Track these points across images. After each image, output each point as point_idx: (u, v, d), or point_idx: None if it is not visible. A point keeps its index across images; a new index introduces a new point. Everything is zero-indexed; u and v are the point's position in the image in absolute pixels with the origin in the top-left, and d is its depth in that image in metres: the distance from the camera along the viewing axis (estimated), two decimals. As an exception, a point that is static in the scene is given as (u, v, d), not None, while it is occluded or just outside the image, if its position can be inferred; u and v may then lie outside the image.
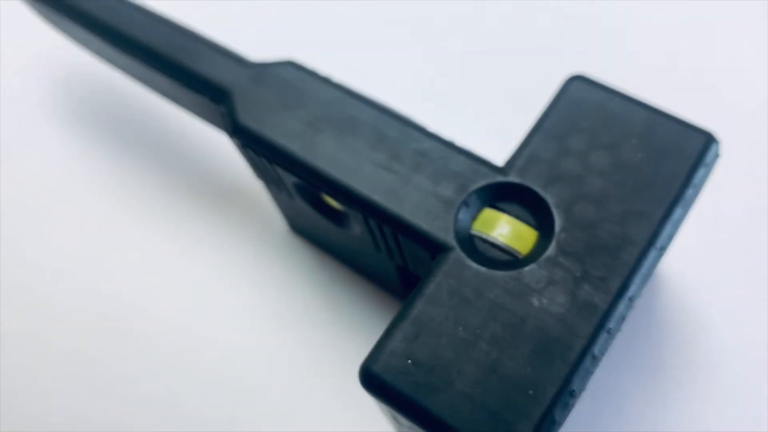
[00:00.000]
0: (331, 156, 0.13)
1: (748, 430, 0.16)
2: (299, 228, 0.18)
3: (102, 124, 0.21)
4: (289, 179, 0.14)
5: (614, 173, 0.12)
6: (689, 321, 0.17)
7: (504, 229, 0.12)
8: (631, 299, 0.11)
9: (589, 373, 0.11)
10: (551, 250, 0.11)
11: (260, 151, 0.14)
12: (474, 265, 0.11)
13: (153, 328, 0.18)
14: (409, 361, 0.11)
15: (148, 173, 0.20)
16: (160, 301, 0.18)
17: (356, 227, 0.14)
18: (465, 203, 0.12)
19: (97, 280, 0.19)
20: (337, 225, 0.15)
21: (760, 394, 0.16)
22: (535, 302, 0.11)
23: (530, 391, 0.10)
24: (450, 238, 0.12)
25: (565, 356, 0.11)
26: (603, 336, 0.11)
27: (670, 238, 0.12)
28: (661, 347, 0.17)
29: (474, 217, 0.12)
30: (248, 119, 0.14)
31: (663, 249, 0.11)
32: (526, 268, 0.11)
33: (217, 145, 0.20)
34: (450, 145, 0.13)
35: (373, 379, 0.11)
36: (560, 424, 0.10)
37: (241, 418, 0.17)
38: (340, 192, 0.13)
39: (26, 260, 0.19)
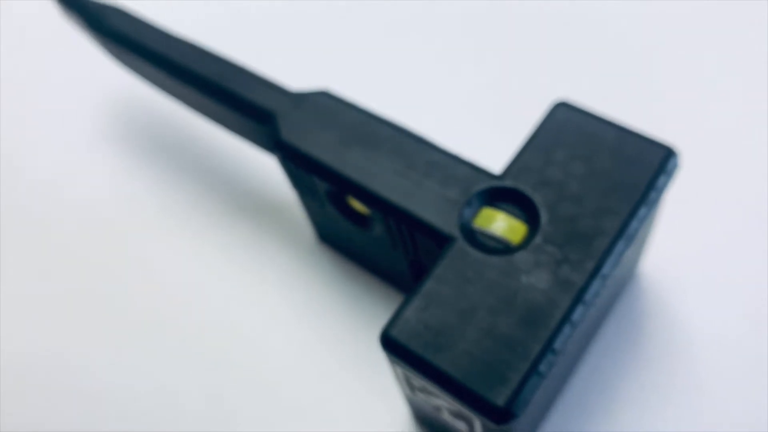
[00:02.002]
0: (357, 165, 0.16)
1: (723, 420, 0.18)
2: (326, 236, 0.21)
3: (150, 146, 0.24)
4: (322, 186, 0.17)
5: (590, 179, 0.14)
6: (669, 316, 0.19)
7: (500, 223, 0.14)
8: (604, 278, 0.13)
9: (568, 336, 0.13)
10: (538, 239, 0.14)
11: (299, 162, 0.16)
12: (474, 252, 0.14)
13: (197, 324, 0.20)
14: (420, 326, 0.13)
15: (194, 191, 0.23)
16: (202, 301, 0.21)
17: (377, 227, 0.17)
18: (468, 203, 0.15)
19: (145, 283, 0.22)
20: (361, 227, 0.17)
21: (735, 384, 0.18)
22: (524, 280, 0.13)
23: (519, 349, 0.13)
24: (455, 231, 0.14)
25: (548, 322, 0.13)
26: (579, 307, 0.13)
27: (636, 230, 0.14)
28: (643, 341, 0.19)
29: (475, 214, 0.15)
30: (290, 137, 0.16)
31: (630, 239, 0.14)
32: (517, 254, 0.14)
33: (255, 169, 0.23)
34: (456, 158, 0.15)
35: (390, 342, 0.13)
36: (544, 376, 0.13)
37: (269, 399, 0.19)
38: (365, 195, 0.15)
39: (86, 265, 0.22)
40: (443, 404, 0.14)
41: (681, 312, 0.19)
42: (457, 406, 0.13)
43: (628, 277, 0.19)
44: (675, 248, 0.19)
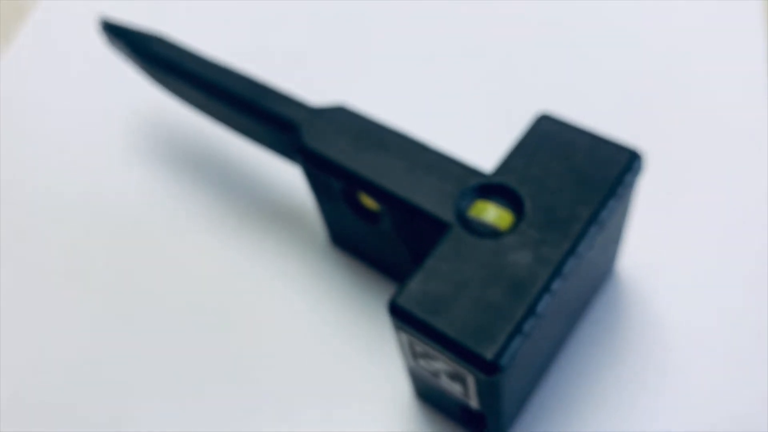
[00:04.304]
0: (369, 166, 0.18)
1: (697, 409, 0.19)
2: (338, 237, 0.23)
3: (178, 156, 0.27)
4: (338, 186, 0.19)
5: (567, 176, 0.17)
6: (645, 311, 0.21)
7: (491, 213, 0.17)
8: (578, 256, 0.16)
9: (547, 303, 0.15)
10: (522, 225, 0.16)
11: (319, 165, 0.19)
12: (468, 236, 0.16)
13: (221, 316, 0.23)
14: (422, 295, 0.16)
15: (219, 198, 0.25)
16: (225, 296, 0.23)
17: (385, 222, 0.19)
18: (463, 196, 0.17)
19: (172, 280, 0.24)
20: (370, 223, 0.20)
21: (707, 375, 0.20)
22: (510, 258, 0.16)
23: (506, 313, 0.15)
24: (452, 219, 0.17)
25: (530, 290, 0.15)
26: (557, 279, 0.15)
27: (606, 218, 0.16)
28: (620, 334, 0.20)
29: (469, 206, 0.17)
30: (312, 143, 0.19)
31: (601, 224, 0.16)
32: (505, 238, 0.16)
33: (275, 179, 0.26)
34: (453, 159, 0.18)
35: (397, 309, 0.16)
36: (527, 335, 0.15)
37: (285, 383, 0.21)
38: (375, 190, 0.18)
39: (118, 266, 0.24)
40: (441, 367, 0.16)
41: (656, 307, 0.21)
42: (453, 365, 0.16)
43: (607, 273, 0.21)
44: (650, 247, 0.22)
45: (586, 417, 0.19)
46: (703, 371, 0.20)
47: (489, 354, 0.15)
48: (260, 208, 0.25)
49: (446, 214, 0.17)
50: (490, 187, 0.17)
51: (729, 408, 0.19)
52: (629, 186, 0.17)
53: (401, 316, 0.16)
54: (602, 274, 0.21)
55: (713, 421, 0.19)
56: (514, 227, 0.16)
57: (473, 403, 0.17)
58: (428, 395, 0.19)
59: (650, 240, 0.22)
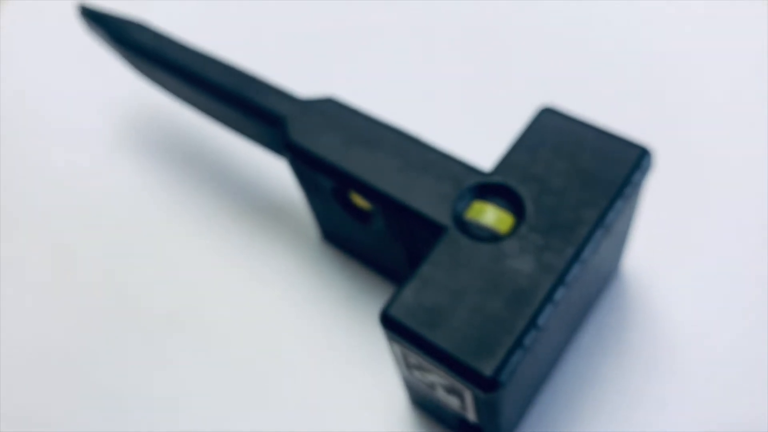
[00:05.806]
0: (360, 163, 0.17)
1: (702, 409, 0.19)
2: (329, 234, 0.22)
3: (166, 151, 0.26)
4: (328, 184, 0.18)
5: (571, 175, 0.16)
6: (651, 311, 0.20)
7: (489, 215, 0.16)
8: (583, 262, 0.15)
9: (550, 314, 0.14)
10: (524, 228, 0.15)
11: (307, 162, 0.18)
12: (466, 240, 0.15)
13: (209, 312, 0.22)
14: (416, 306, 0.15)
15: (207, 193, 0.24)
16: (215, 293, 0.22)
17: (377, 222, 0.18)
18: (460, 197, 0.16)
19: (160, 277, 0.23)
20: (362, 223, 0.19)
21: (712, 376, 0.19)
22: (510, 265, 0.15)
23: (505, 325, 0.14)
24: (448, 221, 0.16)
25: (532, 301, 0.14)
26: (560, 288, 0.14)
27: (613, 221, 0.15)
28: (625, 334, 0.20)
29: (467, 207, 0.16)
30: (299, 138, 0.18)
31: (607, 228, 0.15)
32: (505, 242, 0.15)
33: (265, 174, 0.25)
34: (450, 157, 0.17)
35: (389, 320, 0.15)
36: (528, 349, 0.14)
37: (275, 386, 0.20)
38: (367, 189, 0.17)
39: (104, 262, 0.23)
40: (437, 380, 0.15)
41: (662, 308, 0.20)
42: (449, 379, 0.15)
43: (611, 273, 0.20)
44: (656, 247, 0.21)
45: (589, 422, 0.19)
46: (708, 373, 0.19)
47: (487, 370, 0.14)
48: (251, 203, 0.24)
49: (442, 216, 0.16)
50: (488, 187, 0.16)
51: (735, 410, 0.19)
52: (638, 185, 0.16)
53: (394, 327, 0.15)
54: (607, 276, 0.20)
55: (719, 423, 0.18)
56: (515, 230, 0.15)
57: (471, 416, 0.16)
58: (424, 403, 0.18)
59: (656, 239, 0.21)
